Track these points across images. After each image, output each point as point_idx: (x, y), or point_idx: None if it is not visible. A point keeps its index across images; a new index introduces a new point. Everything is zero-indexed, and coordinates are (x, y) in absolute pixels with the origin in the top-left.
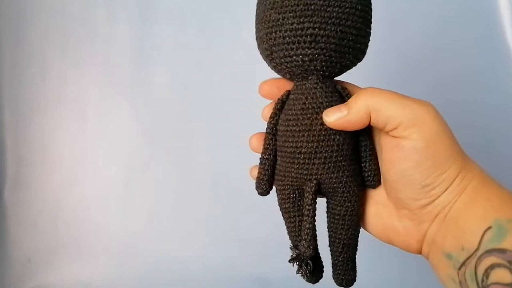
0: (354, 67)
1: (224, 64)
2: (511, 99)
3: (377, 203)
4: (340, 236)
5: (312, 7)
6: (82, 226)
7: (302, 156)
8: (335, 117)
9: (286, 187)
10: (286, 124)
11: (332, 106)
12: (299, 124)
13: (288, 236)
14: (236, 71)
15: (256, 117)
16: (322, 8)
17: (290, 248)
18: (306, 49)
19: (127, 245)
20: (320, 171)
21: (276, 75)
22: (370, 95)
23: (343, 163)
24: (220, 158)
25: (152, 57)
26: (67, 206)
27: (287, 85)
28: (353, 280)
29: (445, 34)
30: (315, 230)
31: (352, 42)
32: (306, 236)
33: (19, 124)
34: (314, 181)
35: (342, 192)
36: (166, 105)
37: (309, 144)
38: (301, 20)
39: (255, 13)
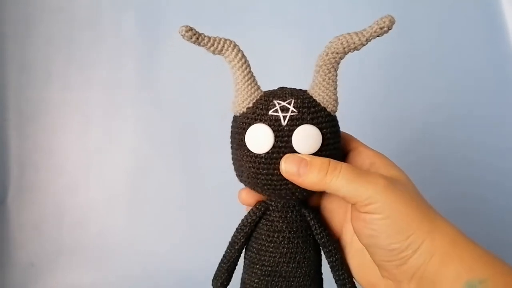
0: (359, 70)
1: None
2: None
3: (364, 261)
4: None
5: None
6: (86, 230)
7: (261, 277)
8: (291, 171)
9: None
10: (255, 242)
11: (293, 235)
12: (262, 254)
13: None
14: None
15: None
16: None
17: None
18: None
19: (132, 249)
20: None
21: None
22: (336, 176)
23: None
24: (227, 162)
25: (158, 61)
26: (71, 210)
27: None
28: None
29: (447, 38)
30: None
31: None
32: None
33: (24, 127)
34: None
35: None
36: (171, 109)
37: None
38: None
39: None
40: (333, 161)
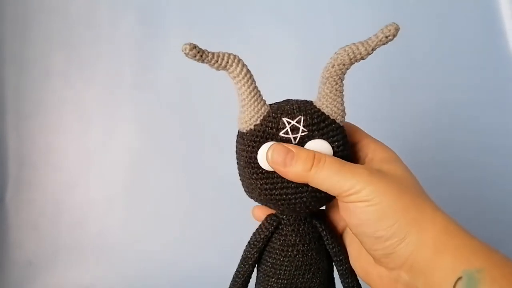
0: (359, 71)
1: None
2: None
3: (360, 249)
4: None
5: None
6: (84, 228)
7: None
8: (277, 161)
9: None
10: (269, 257)
11: (307, 248)
12: (277, 268)
13: None
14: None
15: None
16: None
17: None
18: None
19: (130, 248)
20: None
21: None
22: (313, 170)
23: None
24: (226, 161)
25: (156, 59)
26: (69, 209)
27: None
28: None
29: (447, 38)
30: None
31: None
32: None
33: (22, 126)
34: None
35: None
36: (170, 107)
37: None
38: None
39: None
40: (318, 154)
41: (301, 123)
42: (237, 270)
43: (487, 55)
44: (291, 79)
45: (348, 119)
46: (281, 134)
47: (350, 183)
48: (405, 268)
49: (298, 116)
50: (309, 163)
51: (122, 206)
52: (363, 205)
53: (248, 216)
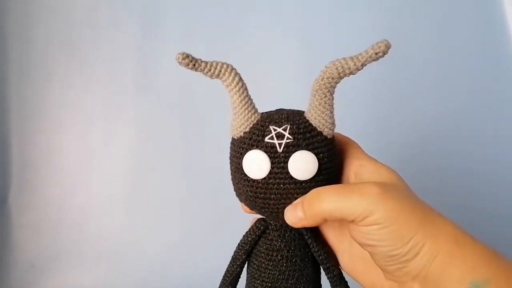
0: (359, 73)
1: None
2: None
3: (365, 266)
4: None
5: None
6: (86, 231)
7: None
8: (293, 219)
9: None
10: (255, 259)
11: (292, 254)
12: (262, 271)
13: None
14: (242, 76)
15: None
16: None
17: None
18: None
19: (132, 250)
20: None
21: None
22: (322, 201)
23: None
24: (226, 161)
25: (157, 61)
26: (71, 211)
27: None
28: None
29: (449, 39)
30: None
31: None
32: None
33: (24, 128)
34: None
35: None
36: (171, 109)
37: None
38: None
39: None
40: (315, 192)
41: (287, 131)
42: (226, 270)
43: (490, 60)
44: (290, 79)
45: (348, 126)
46: (266, 139)
47: (361, 207)
48: (419, 280)
49: (285, 124)
50: (313, 203)
51: (123, 209)
52: (375, 228)
53: (248, 216)
